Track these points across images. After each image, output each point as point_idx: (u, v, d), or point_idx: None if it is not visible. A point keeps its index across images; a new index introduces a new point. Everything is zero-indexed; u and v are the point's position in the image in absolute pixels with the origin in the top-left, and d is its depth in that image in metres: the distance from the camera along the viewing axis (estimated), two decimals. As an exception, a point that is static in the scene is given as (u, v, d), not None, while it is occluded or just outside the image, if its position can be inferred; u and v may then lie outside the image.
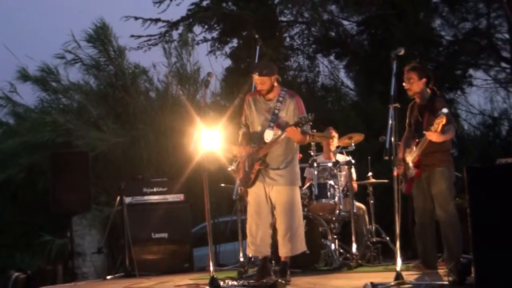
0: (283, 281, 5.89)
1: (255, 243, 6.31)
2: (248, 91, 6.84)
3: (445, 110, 5.85)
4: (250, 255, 6.64)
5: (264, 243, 6.34)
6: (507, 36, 14.69)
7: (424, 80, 6.40)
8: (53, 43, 13.88)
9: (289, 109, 6.31)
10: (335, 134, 8.34)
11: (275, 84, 6.33)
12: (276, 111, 6.29)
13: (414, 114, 6.49)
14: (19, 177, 12.83)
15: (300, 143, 6.39)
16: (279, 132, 6.21)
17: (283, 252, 6.34)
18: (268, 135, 6.25)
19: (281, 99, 6.32)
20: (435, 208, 6.27)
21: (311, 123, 6.18)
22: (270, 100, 6.36)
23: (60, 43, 12.96)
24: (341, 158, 8.10)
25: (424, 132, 6.05)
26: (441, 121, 5.82)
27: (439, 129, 5.89)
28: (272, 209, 6.35)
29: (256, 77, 6.26)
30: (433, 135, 5.97)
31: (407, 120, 6.59)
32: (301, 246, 6.39)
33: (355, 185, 8.09)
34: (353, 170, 8.03)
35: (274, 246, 6.54)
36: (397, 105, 5.55)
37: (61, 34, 13.33)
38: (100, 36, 12.92)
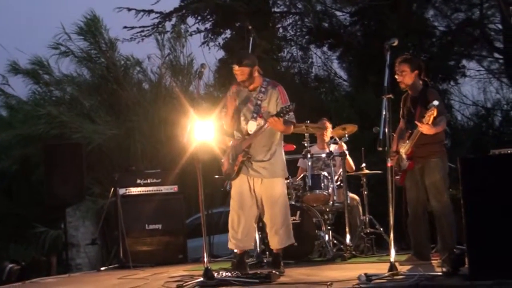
0: (277, 272, 5.89)
1: (236, 237, 6.27)
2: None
3: (435, 102, 5.82)
4: (231, 249, 6.59)
5: (247, 237, 6.30)
6: (500, 26, 14.72)
7: (416, 72, 6.38)
8: (43, 35, 13.91)
9: (272, 100, 6.25)
10: (328, 125, 8.33)
11: (256, 74, 6.26)
12: (259, 102, 6.24)
13: (407, 105, 6.48)
14: (12, 169, 12.83)
15: (284, 133, 6.34)
16: (261, 122, 6.17)
17: (272, 244, 6.35)
18: (251, 126, 6.21)
19: (263, 89, 6.26)
20: (428, 199, 6.27)
21: (291, 112, 6.06)
22: (252, 91, 6.30)
23: (50, 36, 12.99)
24: (335, 148, 8.08)
25: (416, 123, 6.04)
26: (432, 113, 5.81)
27: (430, 121, 5.87)
28: (256, 202, 6.30)
29: (235, 67, 6.20)
30: (424, 127, 5.95)
31: (400, 112, 6.58)
32: (289, 239, 6.37)
33: (352, 165, 8.11)
34: (349, 158, 8.03)
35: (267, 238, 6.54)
36: (390, 96, 5.53)
37: (51, 27, 13.31)
38: (91, 28, 12.91)
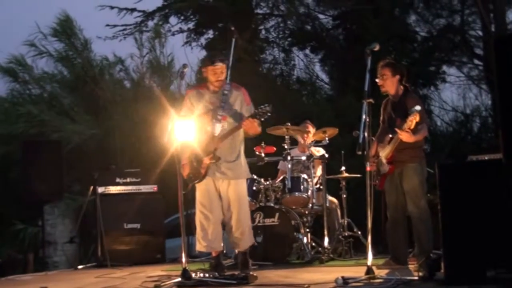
0: (252, 273, 5.87)
1: (207, 238, 6.28)
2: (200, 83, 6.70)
3: (418, 108, 5.87)
4: (201, 251, 6.60)
5: (216, 238, 6.32)
6: (480, 33, 14.83)
7: (397, 77, 6.41)
8: (16, 37, 13.76)
9: (236, 101, 6.28)
10: (311, 128, 8.31)
11: None
12: (223, 104, 6.23)
13: (388, 110, 6.50)
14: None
15: (254, 135, 6.32)
16: (226, 124, 6.18)
17: (240, 245, 6.34)
18: (216, 128, 6.19)
19: (226, 92, 6.27)
20: (407, 204, 6.30)
21: (269, 114, 6.03)
22: (215, 93, 6.30)
23: (24, 37, 12.88)
24: (317, 151, 8.09)
25: (396, 130, 6.07)
26: (414, 118, 5.85)
27: (412, 126, 5.91)
28: (222, 204, 6.30)
29: (220, 65, 6.19)
30: (404, 135, 5.98)
31: (381, 117, 6.61)
32: (251, 240, 6.44)
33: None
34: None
35: None
36: (371, 100, 5.57)
37: (24, 29, 13.23)
38: (65, 29, 12.85)
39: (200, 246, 6.34)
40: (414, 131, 5.97)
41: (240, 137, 6.34)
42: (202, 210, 6.30)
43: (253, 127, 6.08)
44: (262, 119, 6.08)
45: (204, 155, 6.21)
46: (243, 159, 6.37)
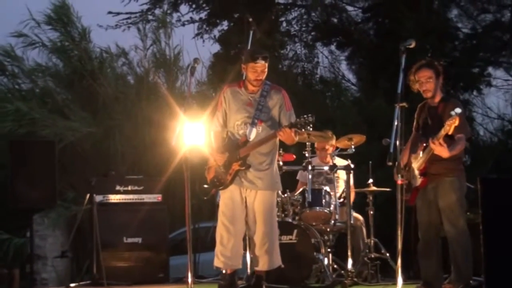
0: None
1: (226, 254, 6.32)
2: (238, 80, 6.79)
3: (458, 110, 5.81)
4: (218, 267, 6.58)
5: (236, 255, 6.37)
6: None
7: (441, 78, 6.37)
8: (7, 24, 13.77)
9: (275, 105, 6.36)
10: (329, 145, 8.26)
11: None
12: (260, 107, 6.33)
13: (423, 116, 6.47)
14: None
15: (290, 144, 6.44)
16: (260, 128, 6.27)
17: (260, 265, 6.38)
18: (251, 133, 6.28)
19: (265, 93, 6.36)
20: (442, 222, 6.28)
21: (311, 126, 6.19)
22: (253, 93, 6.40)
23: (13, 24, 12.89)
24: (340, 162, 8.11)
25: (430, 141, 6.04)
26: (453, 122, 5.79)
27: (450, 131, 5.89)
28: (246, 217, 6.36)
29: (261, 63, 6.28)
30: (437, 149, 5.94)
31: (414, 123, 6.59)
32: (278, 260, 6.45)
33: (352, 193, 8.12)
34: (351, 176, 8.04)
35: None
36: (404, 104, 5.59)
37: (15, 14, 13.25)
38: (61, 16, 12.86)
39: (218, 261, 6.38)
40: (451, 142, 5.94)
41: (274, 143, 6.41)
42: (223, 221, 6.35)
43: (290, 137, 6.19)
44: (303, 130, 6.19)
45: (233, 160, 6.28)
46: (275, 169, 6.45)
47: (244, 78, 6.52)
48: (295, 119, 6.26)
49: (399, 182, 5.61)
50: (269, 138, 6.27)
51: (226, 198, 6.38)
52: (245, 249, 6.69)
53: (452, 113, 5.80)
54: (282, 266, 6.61)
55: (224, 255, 6.32)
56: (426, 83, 6.27)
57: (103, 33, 14.64)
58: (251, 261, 6.70)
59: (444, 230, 6.28)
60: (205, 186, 7.56)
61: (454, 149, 6.03)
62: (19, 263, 11.12)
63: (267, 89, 6.38)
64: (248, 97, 6.40)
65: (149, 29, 13.39)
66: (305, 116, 6.13)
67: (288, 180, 8.29)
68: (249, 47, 7.34)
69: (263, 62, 6.27)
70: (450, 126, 5.81)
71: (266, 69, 6.33)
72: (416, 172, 6.34)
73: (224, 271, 6.46)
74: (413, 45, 5.82)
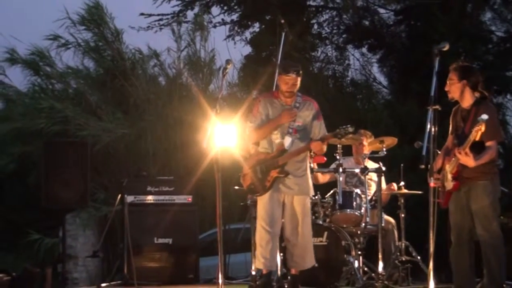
0: None
1: (266, 256, 6.53)
2: (269, 82, 7.00)
3: (485, 117, 5.76)
4: (258, 268, 6.90)
5: (275, 257, 6.65)
6: None
7: (464, 81, 6.30)
8: (40, 24, 13.86)
9: (309, 116, 6.67)
10: (365, 139, 8.29)
11: None
12: (294, 117, 6.62)
13: (457, 119, 6.43)
14: (8, 168, 12.87)
15: (319, 154, 6.81)
16: (296, 137, 6.58)
17: (298, 265, 6.66)
18: (287, 142, 6.57)
19: (297, 104, 6.66)
20: (475, 226, 6.23)
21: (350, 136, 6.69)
22: (287, 104, 6.68)
23: (48, 25, 12.97)
24: (371, 165, 8.09)
25: (456, 151, 6.00)
26: (479, 129, 5.76)
27: (478, 137, 5.85)
28: (282, 220, 6.62)
29: (292, 76, 6.52)
30: (463, 159, 5.92)
31: (450, 126, 6.55)
32: (312, 260, 6.70)
33: (384, 196, 8.10)
34: (382, 178, 8.02)
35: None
36: (437, 107, 5.56)
37: (49, 16, 13.34)
38: (94, 17, 12.94)
39: (259, 263, 6.60)
40: (480, 150, 5.89)
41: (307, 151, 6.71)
42: (263, 226, 6.54)
43: (321, 149, 6.55)
44: (338, 137, 6.63)
45: (271, 167, 6.53)
46: (309, 175, 6.74)
47: (277, 88, 6.87)
48: (325, 129, 6.66)
49: (432, 185, 5.58)
50: (304, 149, 6.59)
51: (266, 203, 6.59)
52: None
53: (479, 119, 5.76)
54: (316, 265, 6.81)
55: (264, 256, 6.52)
56: (448, 85, 6.29)
57: (135, 35, 14.69)
58: (284, 263, 6.93)
59: (477, 233, 6.23)
60: (236, 187, 7.63)
61: (481, 158, 5.97)
62: (50, 263, 11.22)
63: (300, 101, 6.68)
64: (283, 107, 6.66)
65: (184, 31, 13.43)
66: (344, 126, 6.48)
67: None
68: (281, 49, 7.41)
69: (294, 75, 6.53)
70: (477, 132, 5.77)
71: (298, 82, 6.59)
72: (449, 175, 6.31)
73: (264, 271, 6.67)
74: (446, 47, 5.79)
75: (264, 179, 6.56)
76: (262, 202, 6.60)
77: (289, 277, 6.80)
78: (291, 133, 6.58)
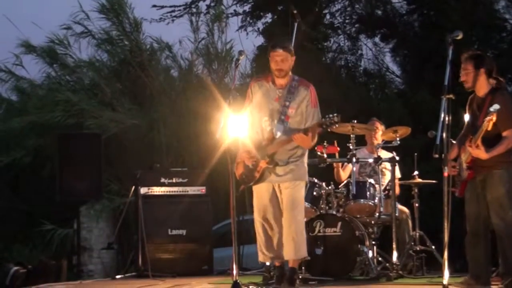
0: None
1: (262, 249, 6.38)
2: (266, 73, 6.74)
3: (496, 106, 5.72)
4: (263, 262, 6.71)
5: (282, 247, 6.35)
6: None
7: (482, 70, 6.28)
8: (57, 15, 13.90)
9: (303, 101, 6.29)
10: (379, 126, 8.28)
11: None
12: (287, 103, 6.28)
13: (473, 108, 6.39)
14: (24, 161, 12.91)
15: (307, 148, 6.38)
16: (288, 124, 6.23)
17: (286, 253, 6.30)
18: (278, 129, 6.25)
19: (292, 89, 6.29)
20: (490, 215, 6.20)
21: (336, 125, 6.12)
22: (281, 88, 6.34)
23: (65, 15, 12.99)
24: (385, 154, 8.06)
25: (467, 144, 5.96)
26: (491, 119, 5.72)
27: (489, 128, 5.80)
28: (279, 207, 6.36)
29: (279, 51, 6.20)
30: (474, 152, 5.88)
31: (466, 115, 6.49)
32: (305, 251, 6.37)
33: (397, 186, 8.06)
34: (396, 168, 7.99)
35: None
36: (451, 96, 5.52)
37: (66, 6, 13.37)
38: (114, 6, 12.93)
39: (264, 257, 6.42)
40: (493, 141, 5.85)
41: None
42: (257, 218, 6.38)
43: (305, 142, 6.15)
44: (329, 130, 6.16)
45: (260, 157, 6.26)
46: (303, 162, 6.40)
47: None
48: (319, 117, 6.21)
49: (446, 174, 5.54)
50: (289, 141, 6.21)
51: (258, 196, 6.42)
52: None
53: (491, 109, 5.72)
54: (308, 258, 6.60)
55: (260, 250, 6.39)
56: (463, 75, 6.24)
57: (148, 27, 14.69)
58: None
59: (492, 223, 6.20)
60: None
61: (496, 149, 5.92)
62: (64, 254, 11.26)
63: (295, 85, 6.31)
64: (276, 92, 6.34)
65: (202, 22, 13.40)
66: (330, 115, 6.04)
67: (332, 172, 8.27)
68: (293, 40, 7.31)
69: (281, 50, 6.19)
70: (489, 122, 5.73)
71: (289, 60, 6.25)
72: (464, 165, 6.28)
73: (276, 264, 6.49)
74: (460, 36, 5.75)
75: (254, 170, 6.27)
76: (256, 193, 6.41)
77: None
78: (284, 120, 6.23)
